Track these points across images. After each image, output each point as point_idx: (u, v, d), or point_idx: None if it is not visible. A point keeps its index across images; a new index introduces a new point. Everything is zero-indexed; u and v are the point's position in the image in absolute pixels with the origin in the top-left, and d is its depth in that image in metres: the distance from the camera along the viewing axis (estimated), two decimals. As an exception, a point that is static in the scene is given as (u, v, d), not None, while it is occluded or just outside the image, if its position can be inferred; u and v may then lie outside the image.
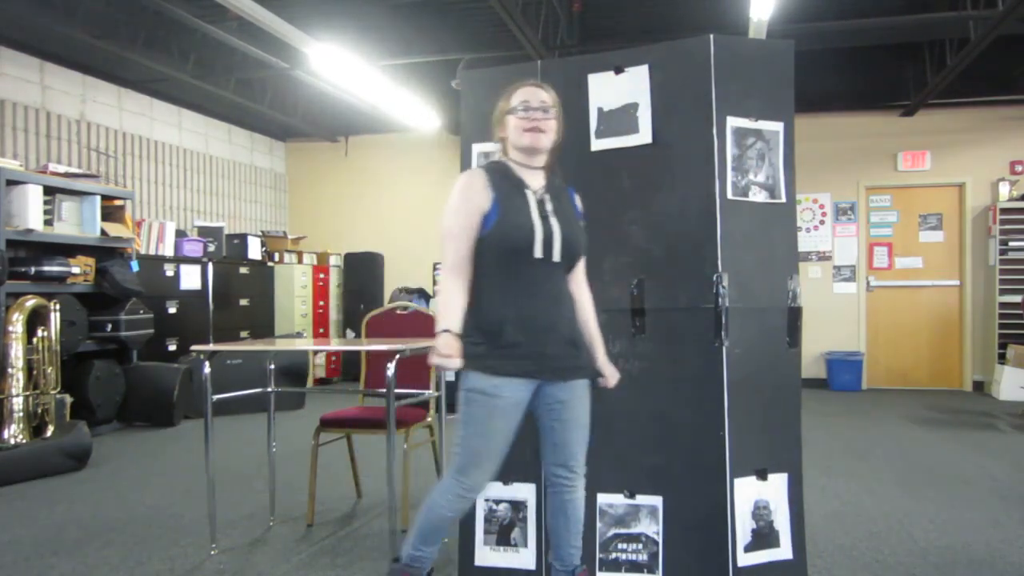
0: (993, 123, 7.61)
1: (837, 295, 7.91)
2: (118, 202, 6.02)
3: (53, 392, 4.69)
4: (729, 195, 2.40)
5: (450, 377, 3.61)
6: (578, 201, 2.27)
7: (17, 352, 4.57)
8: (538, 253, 2.05)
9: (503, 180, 2.11)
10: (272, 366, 3.61)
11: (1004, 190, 7.38)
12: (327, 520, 3.43)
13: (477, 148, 2.71)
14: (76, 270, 5.47)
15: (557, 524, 2.21)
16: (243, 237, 7.70)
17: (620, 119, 2.52)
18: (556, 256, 2.08)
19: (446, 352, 1.98)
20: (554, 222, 2.09)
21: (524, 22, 5.36)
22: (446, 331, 2.01)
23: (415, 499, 3.65)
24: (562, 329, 2.11)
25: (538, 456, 2.52)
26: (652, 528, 2.43)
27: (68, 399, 5.00)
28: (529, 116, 2.10)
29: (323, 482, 3.75)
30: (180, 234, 6.99)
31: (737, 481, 2.38)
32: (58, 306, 4.89)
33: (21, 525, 3.38)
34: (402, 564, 2.18)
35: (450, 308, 2.05)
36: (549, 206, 2.12)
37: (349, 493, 3.82)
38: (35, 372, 4.65)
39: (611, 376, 2.26)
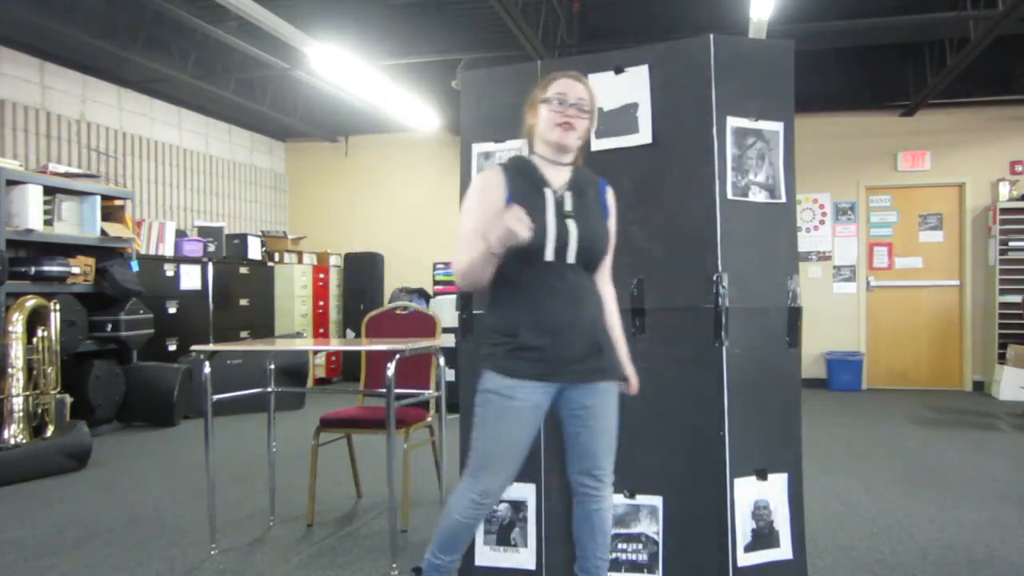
0: (993, 123, 7.61)
1: (837, 295, 7.91)
2: (118, 202, 6.02)
3: (53, 392, 4.69)
4: (729, 195, 2.40)
5: (450, 377, 3.61)
6: (610, 196, 2.16)
7: (17, 352, 4.57)
8: (549, 256, 1.97)
9: (521, 179, 2.04)
10: (272, 366, 3.61)
11: (1004, 190, 7.38)
12: (327, 520, 3.42)
13: (477, 148, 2.70)
14: (76, 270, 5.47)
15: (582, 534, 2.12)
16: (243, 237, 7.70)
17: (620, 119, 2.52)
18: (571, 258, 2.00)
19: (514, 216, 1.83)
20: (571, 223, 2.00)
21: (524, 22, 5.36)
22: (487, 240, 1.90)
23: (415, 499, 3.66)
24: (582, 330, 2.01)
25: (538, 456, 2.52)
26: (652, 528, 2.43)
27: (68, 399, 5.00)
28: (563, 111, 2.00)
29: (323, 482, 3.75)
30: (180, 234, 6.99)
31: (737, 481, 2.38)
32: (58, 306, 4.89)
33: (21, 525, 3.38)
34: (422, 573, 2.10)
35: (474, 255, 1.94)
36: (569, 205, 2.03)
37: (349, 493, 3.82)
38: (35, 372, 4.64)
39: (632, 380, 2.16)
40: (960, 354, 7.72)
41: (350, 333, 8.79)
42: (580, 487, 2.11)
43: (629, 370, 2.16)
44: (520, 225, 1.83)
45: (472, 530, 2.06)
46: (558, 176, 2.07)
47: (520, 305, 1.99)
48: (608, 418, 2.07)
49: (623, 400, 2.12)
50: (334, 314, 8.86)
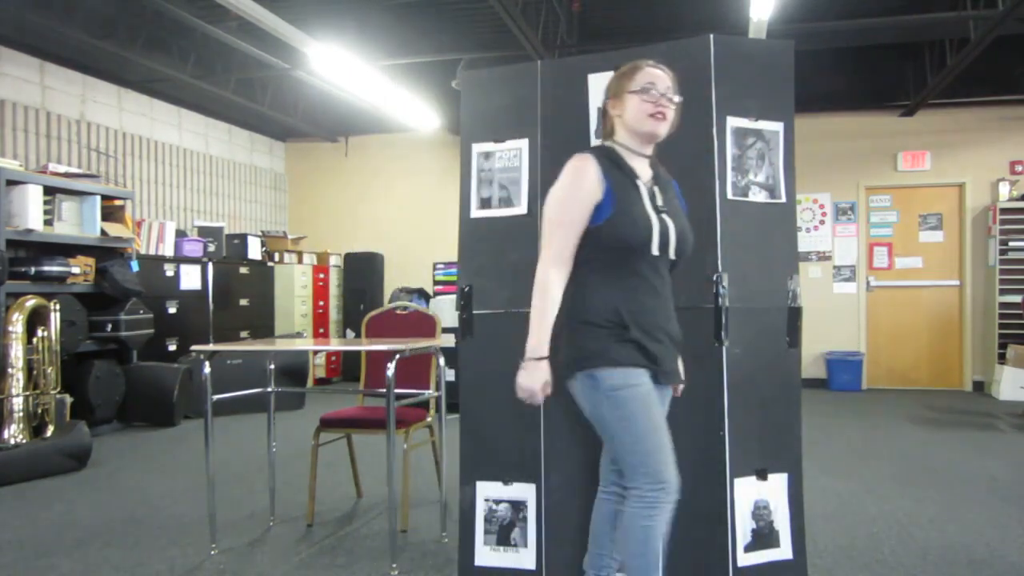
0: (993, 123, 7.61)
1: (837, 295, 7.91)
2: (118, 202, 6.02)
3: (53, 392, 4.69)
4: (729, 195, 2.40)
5: (450, 377, 3.61)
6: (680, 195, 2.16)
7: (17, 352, 4.57)
8: (655, 250, 1.93)
9: (615, 169, 1.96)
10: (272, 366, 3.61)
11: (1004, 190, 7.39)
12: (327, 520, 3.42)
13: (477, 148, 2.70)
14: (76, 270, 5.47)
15: (602, 532, 2.09)
16: (243, 237, 7.70)
17: (620, 119, 2.51)
18: (672, 253, 1.98)
19: (534, 383, 1.86)
20: (667, 217, 1.97)
21: (524, 22, 5.36)
22: (539, 359, 1.87)
23: (415, 499, 3.65)
24: (670, 331, 2.00)
25: (538, 456, 2.52)
26: (652, 528, 2.42)
27: (68, 399, 5.00)
28: (656, 100, 1.93)
29: (323, 482, 3.75)
30: (180, 234, 6.99)
31: (737, 481, 2.38)
32: (58, 306, 4.89)
33: (21, 525, 3.38)
34: None
35: (544, 321, 1.89)
36: (659, 199, 2.00)
37: (349, 493, 3.82)
38: (35, 372, 4.64)
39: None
40: (960, 354, 7.72)
41: (350, 333, 8.80)
42: (614, 486, 2.07)
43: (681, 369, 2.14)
44: (535, 400, 1.89)
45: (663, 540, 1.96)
46: (642, 168, 2.03)
47: (621, 299, 1.91)
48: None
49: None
50: (334, 314, 8.86)
